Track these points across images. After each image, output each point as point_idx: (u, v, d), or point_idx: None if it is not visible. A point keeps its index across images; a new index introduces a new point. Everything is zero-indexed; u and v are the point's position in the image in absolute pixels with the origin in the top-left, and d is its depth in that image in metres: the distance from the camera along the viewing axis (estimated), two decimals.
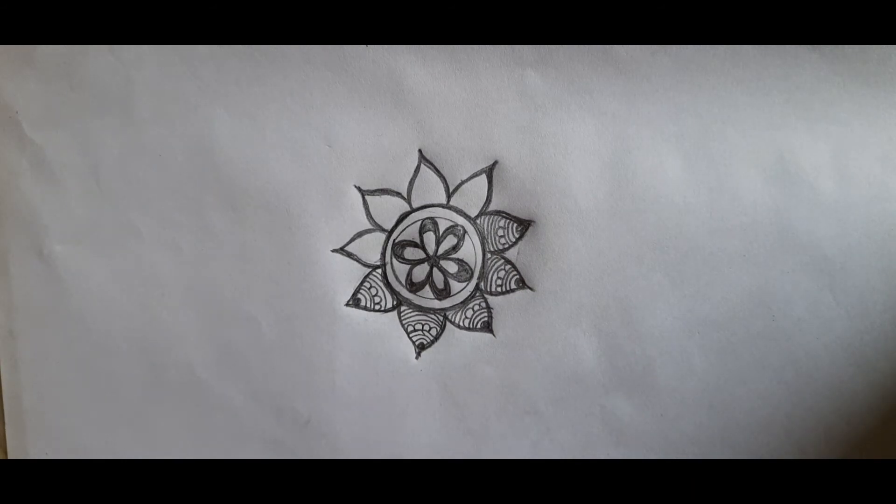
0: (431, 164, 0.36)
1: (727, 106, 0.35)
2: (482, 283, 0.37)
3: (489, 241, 0.37)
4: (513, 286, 0.37)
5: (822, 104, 0.35)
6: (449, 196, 0.36)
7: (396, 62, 0.35)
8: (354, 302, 0.37)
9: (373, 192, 0.36)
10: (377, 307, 0.38)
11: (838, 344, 0.37)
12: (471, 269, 0.37)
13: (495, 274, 0.37)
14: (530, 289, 0.37)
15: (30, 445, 0.39)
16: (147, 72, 0.35)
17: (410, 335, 0.38)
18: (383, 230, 0.37)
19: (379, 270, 0.37)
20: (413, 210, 0.37)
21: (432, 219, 0.37)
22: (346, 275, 0.37)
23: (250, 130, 0.36)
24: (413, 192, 0.36)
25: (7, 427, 0.39)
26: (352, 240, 0.37)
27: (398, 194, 0.37)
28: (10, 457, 0.39)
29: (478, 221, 0.37)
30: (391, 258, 0.37)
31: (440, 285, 0.37)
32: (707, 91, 0.35)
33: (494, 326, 0.37)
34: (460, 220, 0.37)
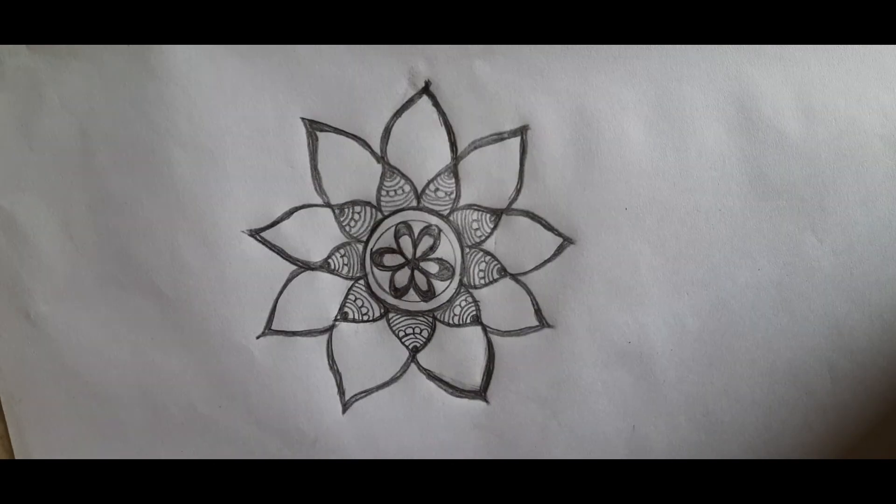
0: (396, 168, 0.36)
1: (680, 63, 0.35)
2: (465, 278, 0.37)
3: (465, 235, 0.37)
4: (495, 276, 0.37)
5: (775, 46, 0.34)
6: (419, 197, 0.36)
7: (345, 72, 0.35)
8: (342, 316, 0.38)
9: (343, 206, 0.36)
10: (365, 317, 0.38)
11: (829, 282, 0.37)
12: (451, 266, 0.37)
13: (476, 267, 0.37)
14: (513, 276, 0.37)
15: None
16: (100, 122, 0.35)
17: (402, 340, 0.38)
18: (359, 241, 0.37)
19: (361, 281, 0.37)
20: (385, 217, 0.37)
21: (405, 222, 0.37)
22: (331, 290, 0.37)
23: (210, 165, 0.36)
24: (382, 199, 0.36)
25: None
26: (330, 255, 0.37)
27: (368, 204, 0.36)
28: None
29: (451, 218, 0.37)
30: (371, 267, 0.37)
31: (424, 287, 0.37)
32: (657, 52, 0.34)
33: (484, 318, 0.37)
34: (433, 220, 0.37)
